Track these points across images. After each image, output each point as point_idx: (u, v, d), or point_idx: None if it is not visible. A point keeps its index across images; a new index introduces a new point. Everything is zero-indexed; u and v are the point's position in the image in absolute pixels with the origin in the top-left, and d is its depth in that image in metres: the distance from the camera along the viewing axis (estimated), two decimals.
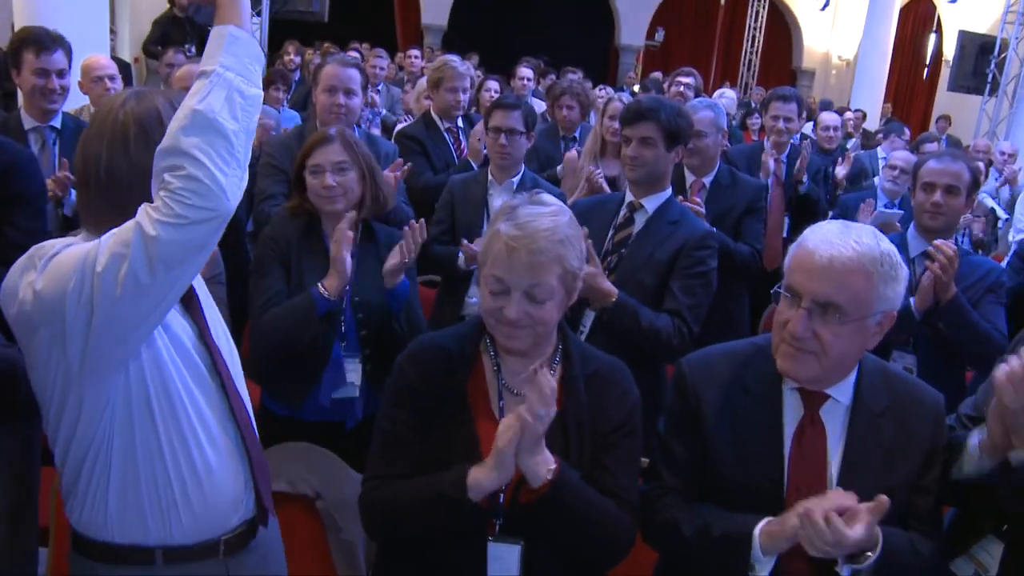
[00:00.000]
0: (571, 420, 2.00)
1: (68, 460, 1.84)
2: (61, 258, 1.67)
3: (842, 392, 2.04)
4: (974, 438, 2.06)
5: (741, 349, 2.17)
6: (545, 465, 1.87)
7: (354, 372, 3.00)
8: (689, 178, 4.38)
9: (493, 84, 6.75)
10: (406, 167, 3.98)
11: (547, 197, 2.01)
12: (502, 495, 1.96)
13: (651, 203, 3.31)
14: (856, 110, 12.99)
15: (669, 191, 3.37)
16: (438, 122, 5.14)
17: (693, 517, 2.05)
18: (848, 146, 10.27)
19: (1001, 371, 1.90)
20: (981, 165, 7.41)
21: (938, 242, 3.22)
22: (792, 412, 2.05)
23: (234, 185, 1.65)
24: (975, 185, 3.57)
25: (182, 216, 1.59)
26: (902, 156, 5.63)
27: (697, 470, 2.11)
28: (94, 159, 1.80)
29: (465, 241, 3.71)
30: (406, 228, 2.96)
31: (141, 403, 1.79)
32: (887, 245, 1.91)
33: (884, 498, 1.80)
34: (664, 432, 2.17)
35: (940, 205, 3.46)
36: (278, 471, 2.47)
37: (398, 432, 2.03)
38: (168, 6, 9.82)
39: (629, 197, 3.37)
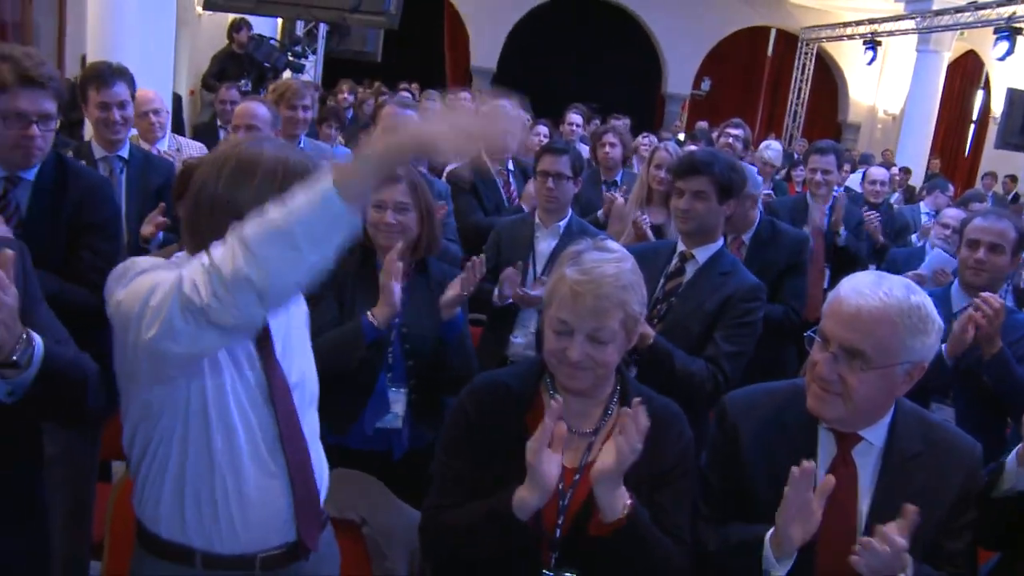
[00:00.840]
0: None
1: (133, 451, 1.95)
2: (142, 279, 1.75)
3: (876, 435, 2.11)
4: (1012, 455, 2.12)
5: (782, 388, 2.26)
6: (622, 500, 1.95)
7: (398, 403, 3.07)
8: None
9: (543, 128, 6.86)
10: (445, 208, 4.09)
11: (611, 244, 2.13)
12: (558, 528, 2.04)
13: (702, 254, 3.35)
14: (902, 168, 13.00)
15: (721, 242, 3.41)
16: (488, 164, 5.24)
17: (718, 535, 2.16)
18: (892, 200, 10.26)
19: None
20: None
21: (984, 295, 3.24)
22: (825, 452, 2.13)
23: (247, 311, 1.60)
24: (1021, 244, 3.59)
25: (191, 294, 1.60)
26: (953, 214, 5.57)
27: (731, 501, 2.19)
28: (193, 181, 1.92)
29: (510, 270, 3.74)
30: (469, 264, 3.05)
31: (199, 420, 1.87)
32: (918, 298, 1.98)
33: (911, 507, 1.87)
34: (705, 465, 2.27)
35: (983, 262, 3.49)
36: (327, 496, 2.54)
37: (457, 466, 2.13)
38: (227, 42, 10.10)
39: (681, 247, 3.40)
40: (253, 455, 1.94)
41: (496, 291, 3.83)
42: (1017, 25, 13.61)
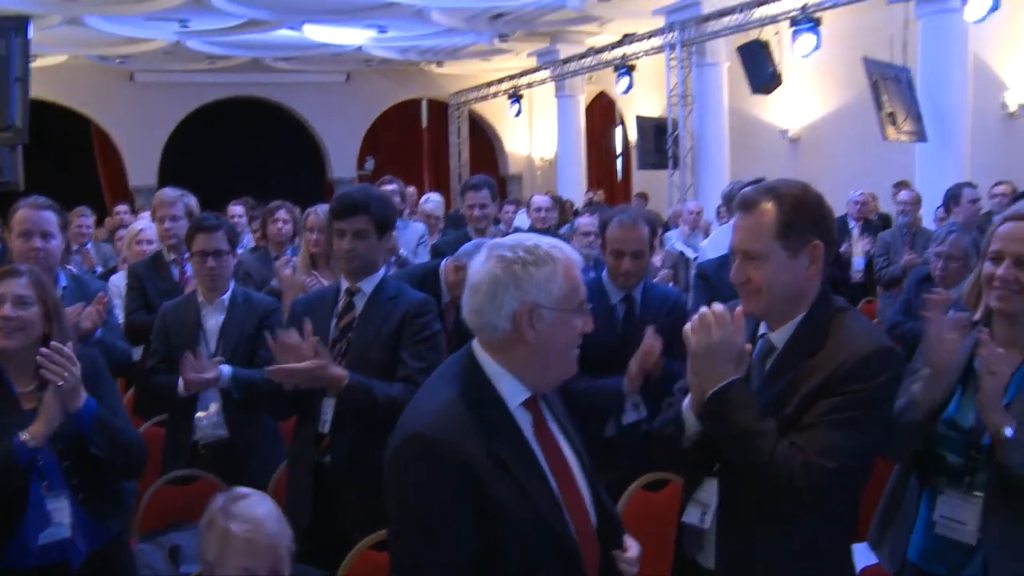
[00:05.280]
0: None
1: None
2: None
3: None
4: (685, 404, 2.33)
5: (452, 395, 2.09)
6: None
7: (61, 511, 2.83)
8: None
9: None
10: (105, 299, 3.89)
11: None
12: None
13: (367, 285, 3.40)
14: (565, 199, 13.98)
15: (383, 271, 3.49)
16: (164, 255, 5.10)
17: None
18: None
19: (688, 324, 2.22)
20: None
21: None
22: (526, 422, 2.10)
23: None
24: (654, 234, 3.98)
25: None
26: (587, 221, 6.20)
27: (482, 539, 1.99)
28: None
29: (188, 356, 3.65)
30: (43, 355, 2.77)
31: None
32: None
33: None
34: (431, 517, 1.99)
35: (631, 270, 3.83)
36: None
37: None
38: None
39: (345, 284, 3.45)
40: None
41: (180, 383, 3.70)
42: (631, 63, 15.06)
